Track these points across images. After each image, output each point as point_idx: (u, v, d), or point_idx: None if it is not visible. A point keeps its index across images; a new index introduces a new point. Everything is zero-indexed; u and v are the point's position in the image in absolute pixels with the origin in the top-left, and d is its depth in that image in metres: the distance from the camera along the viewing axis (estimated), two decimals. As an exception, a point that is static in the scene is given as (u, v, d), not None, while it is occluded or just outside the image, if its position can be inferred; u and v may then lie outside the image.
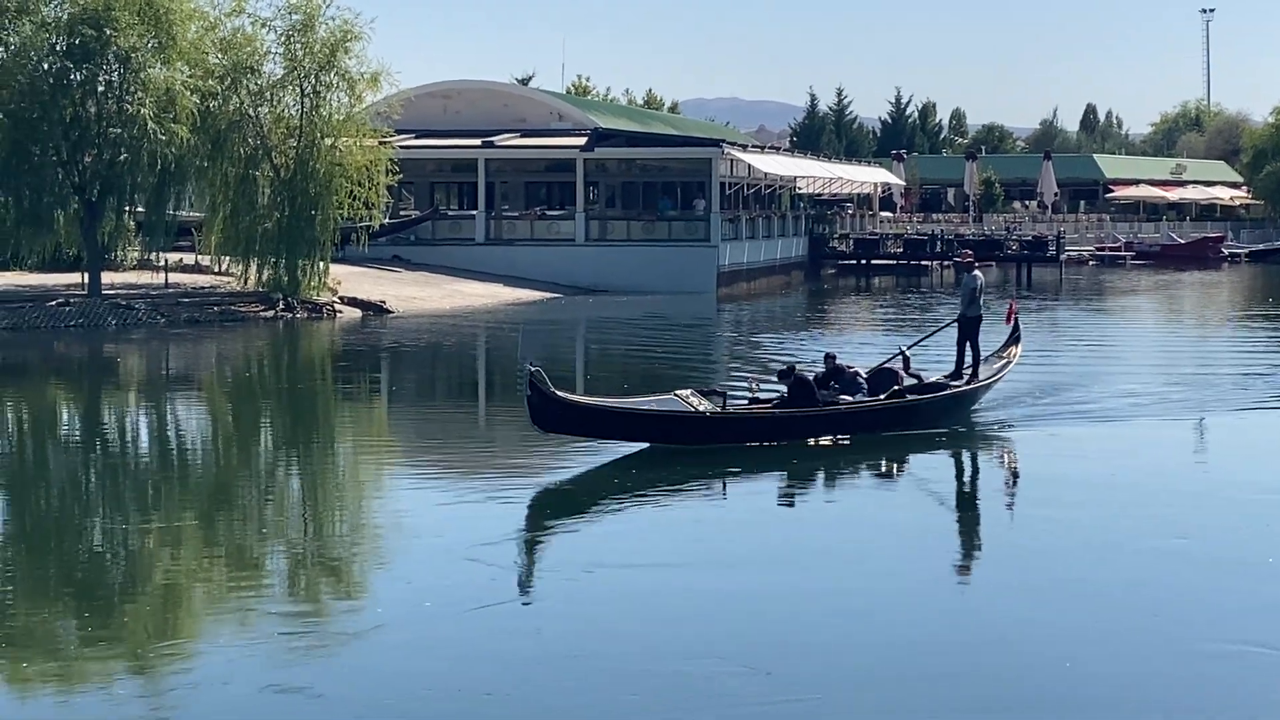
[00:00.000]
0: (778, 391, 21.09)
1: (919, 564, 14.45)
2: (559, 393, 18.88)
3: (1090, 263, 78.21)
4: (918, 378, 22.12)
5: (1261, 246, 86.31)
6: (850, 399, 20.90)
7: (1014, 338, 24.76)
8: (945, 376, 22.93)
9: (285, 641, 12.08)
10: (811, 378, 21.06)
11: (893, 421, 20.93)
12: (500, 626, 12.36)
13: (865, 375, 21.57)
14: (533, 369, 18.48)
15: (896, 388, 21.20)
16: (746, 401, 20.91)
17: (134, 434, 24.23)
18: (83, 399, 28.00)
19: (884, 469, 19.51)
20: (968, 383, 22.79)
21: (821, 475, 19.13)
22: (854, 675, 11.20)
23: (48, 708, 10.73)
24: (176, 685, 11.04)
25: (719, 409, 19.83)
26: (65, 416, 26.18)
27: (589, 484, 18.33)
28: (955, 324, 23.79)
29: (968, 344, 23.28)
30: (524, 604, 13.15)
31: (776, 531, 16.17)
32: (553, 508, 17.34)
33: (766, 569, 14.27)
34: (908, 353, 22.63)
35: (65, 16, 40.24)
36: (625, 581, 13.75)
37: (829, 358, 21.93)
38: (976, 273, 23.92)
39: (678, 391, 20.02)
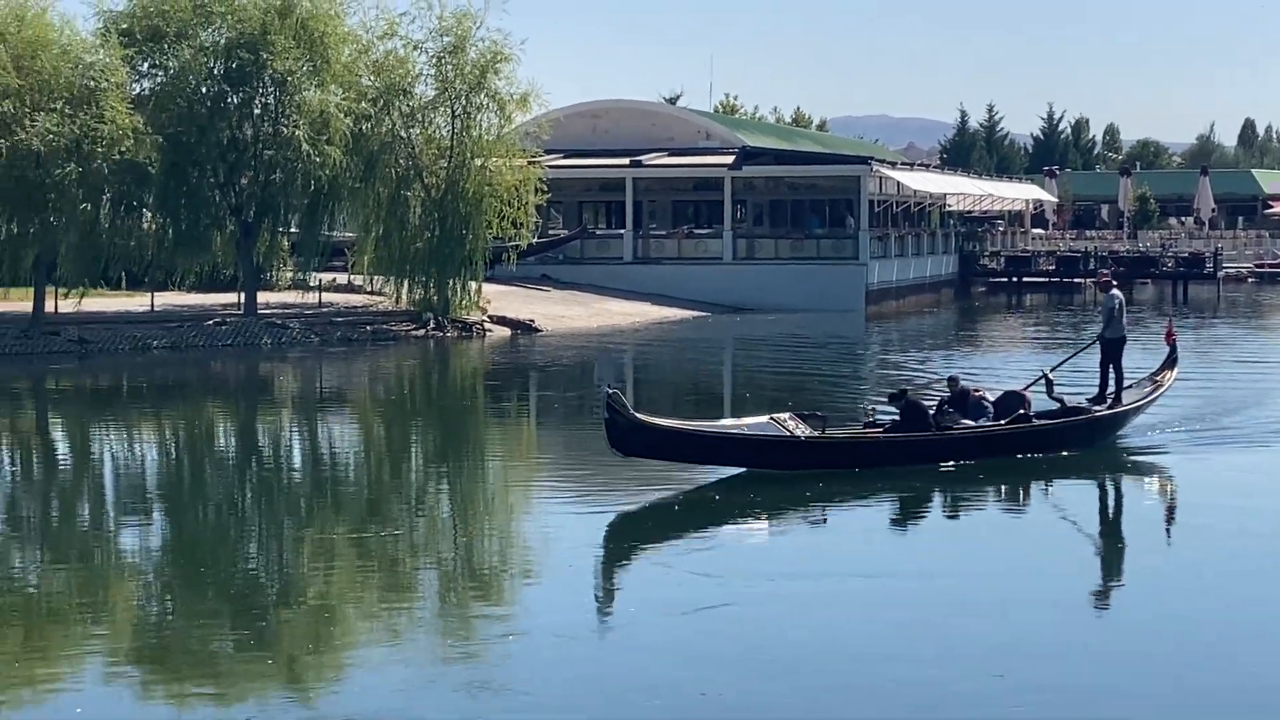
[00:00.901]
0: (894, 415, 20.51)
1: (1075, 583, 14.15)
2: (639, 415, 18.42)
3: (1249, 279, 76.31)
4: (1060, 401, 21.42)
5: None
6: (973, 424, 20.24)
7: (1170, 360, 23.77)
8: (1088, 400, 22.22)
9: (495, 645, 12.36)
10: (936, 402, 20.63)
11: (1014, 447, 20.23)
12: (714, 629, 12.56)
13: (992, 399, 20.87)
14: (610, 390, 18.07)
15: (1021, 412, 20.43)
16: (861, 425, 20.40)
17: (289, 451, 24.54)
18: (239, 417, 28.45)
19: (1007, 493, 19.08)
20: (1110, 407, 22.01)
21: (952, 498, 18.72)
22: (1081, 681, 11.16)
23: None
24: (386, 686, 11.20)
25: (818, 433, 19.25)
26: (222, 434, 26.61)
27: (764, 498, 18.13)
28: (1095, 345, 23.13)
29: (1110, 366, 22.53)
30: (730, 608, 13.22)
31: (932, 548, 15.93)
32: (714, 520, 17.34)
33: (948, 581, 14.30)
34: (1050, 375, 21.81)
35: (223, 41, 41.05)
36: (814, 590, 13.87)
37: (953, 381, 21.32)
38: (1115, 292, 23.16)
39: (774, 415, 19.38)
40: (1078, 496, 19.30)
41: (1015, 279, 68.65)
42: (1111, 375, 22.48)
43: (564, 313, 47.48)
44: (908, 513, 18.08)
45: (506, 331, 43.69)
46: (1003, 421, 20.29)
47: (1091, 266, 68.06)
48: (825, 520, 17.39)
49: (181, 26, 40.53)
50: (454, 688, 11.18)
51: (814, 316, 49.54)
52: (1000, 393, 21.36)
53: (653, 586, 14.22)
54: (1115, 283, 24.01)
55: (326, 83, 41.39)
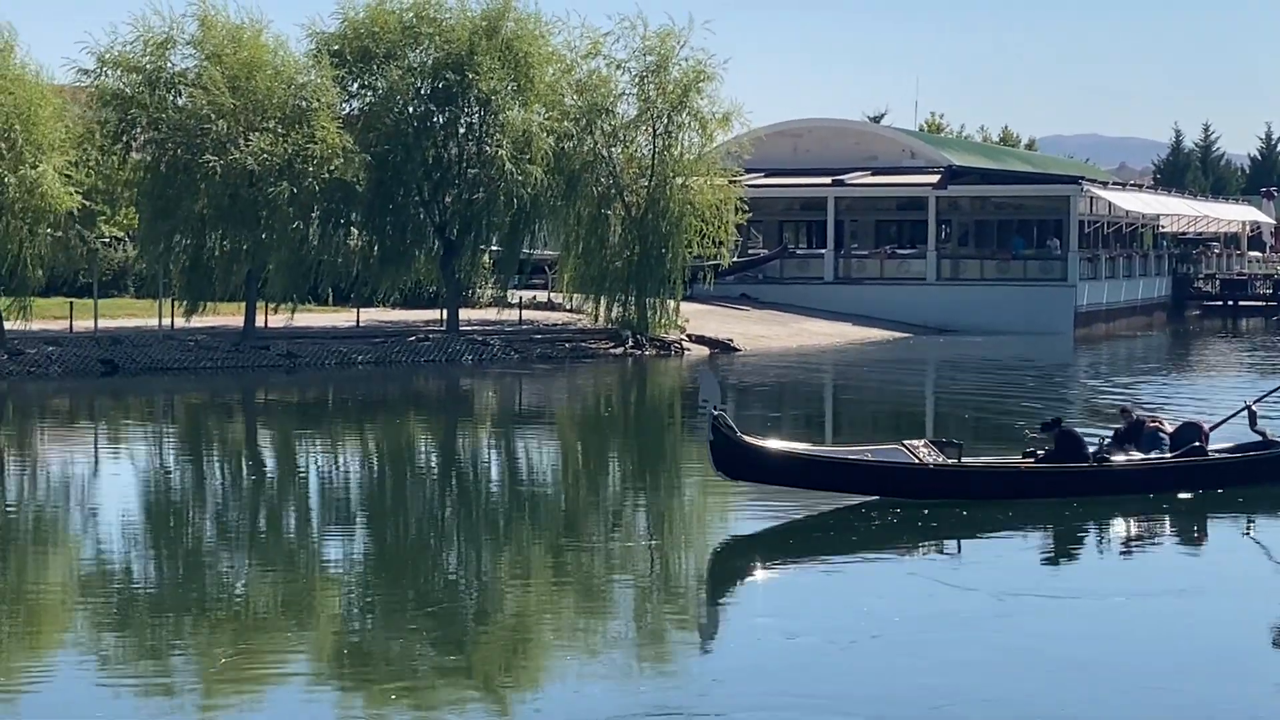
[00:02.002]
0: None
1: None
2: (748, 438, 17.92)
3: None
4: (1263, 434, 20.09)
5: None
6: (1141, 456, 19.17)
7: None
8: None
9: (789, 653, 12.48)
10: (1112, 433, 19.80)
11: (1183, 481, 19.06)
12: (992, 640, 12.83)
13: (1169, 431, 19.71)
14: (716, 411, 17.44)
15: (1197, 445, 19.23)
16: (1021, 454, 19.33)
17: (488, 466, 24.64)
18: (441, 432, 28.69)
19: (1173, 526, 18.25)
20: None
21: (1107, 530, 17.94)
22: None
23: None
24: (584, 699, 11.16)
25: (952, 461, 18.37)
26: (424, 448, 26.83)
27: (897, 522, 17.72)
28: None
29: None
30: (1001, 617, 13.56)
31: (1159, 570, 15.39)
32: (898, 536, 16.92)
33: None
34: (1255, 407, 20.42)
35: (430, 61, 41.62)
36: (1062, 607, 14.03)
37: (1125, 412, 20.48)
38: None
39: (907, 441, 18.68)
40: (1242, 530, 18.37)
41: (1231, 303, 66.62)
42: None
43: (763, 332, 47.17)
44: (1068, 542, 17.49)
45: (705, 350, 43.51)
46: (1168, 455, 19.22)
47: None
48: (1036, 545, 16.93)
49: (390, 47, 41.21)
50: (662, 699, 11.11)
51: (1020, 339, 48.54)
52: (1180, 424, 20.27)
53: (897, 599, 14.23)
54: None
55: (530, 102, 41.71)
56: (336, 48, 41.30)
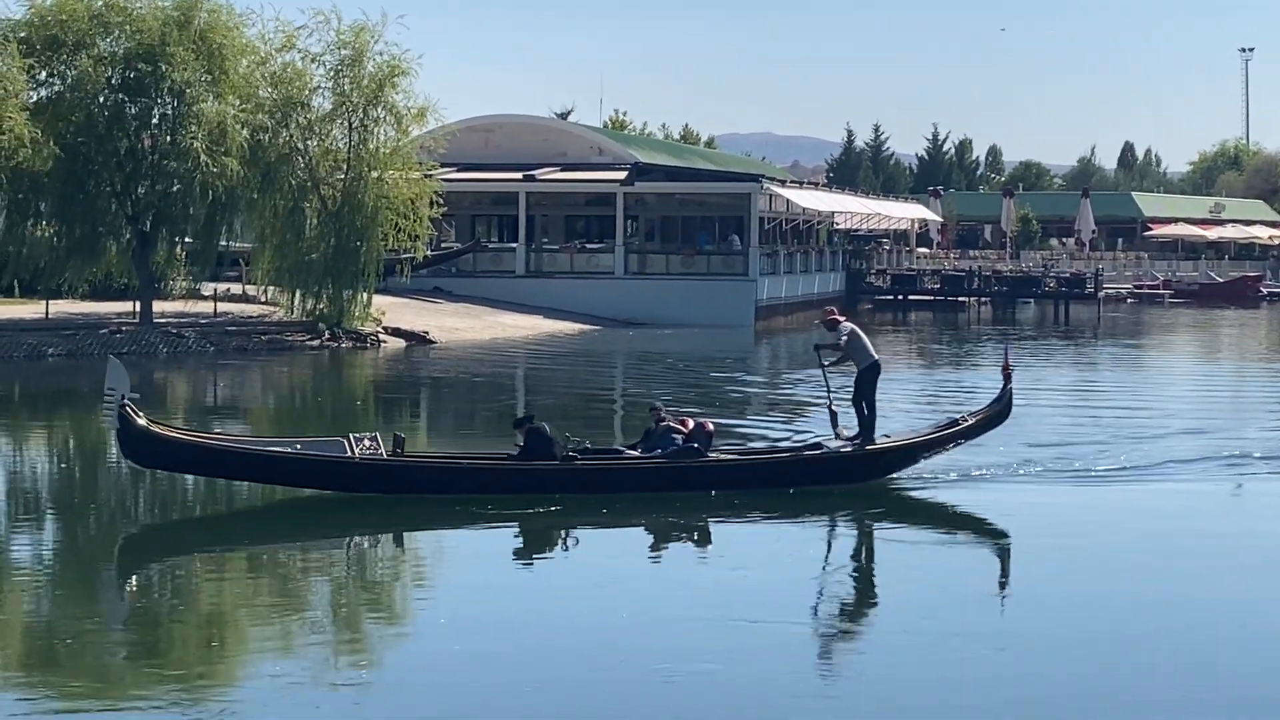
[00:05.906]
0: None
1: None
2: (154, 427, 17.87)
3: (1128, 300, 78.54)
4: (839, 437, 20.12)
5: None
6: (635, 456, 19.17)
7: (999, 398, 20.90)
8: (850, 437, 20.22)
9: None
10: (644, 433, 19.67)
11: (668, 483, 18.91)
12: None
13: (686, 430, 19.31)
14: (125, 400, 17.31)
15: (695, 446, 19.02)
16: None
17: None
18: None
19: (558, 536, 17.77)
20: (859, 445, 19.99)
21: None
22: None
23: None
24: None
25: (388, 455, 18.27)
26: (115, 442, 26.88)
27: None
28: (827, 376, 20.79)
29: (862, 401, 20.22)
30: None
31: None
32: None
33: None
34: (835, 409, 20.28)
35: (121, 51, 41.31)
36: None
37: (653, 410, 20.01)
38: (844, 324, 20.68)
39: (355, 434, 18.57)
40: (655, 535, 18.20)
41: (901, 297, 70.21)
42: (866, 409, 20.20)
43: (457, 325, 48.16)
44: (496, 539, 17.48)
45: (401, 343, 44.29)
46: (650, 452, 19.21)
47: (975, 285, 70.12)
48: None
49: (80, 36, 40.75)
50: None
51: (704, 331, 50.52)
52: (695, 424, 19.67)
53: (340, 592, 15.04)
54: (841, 317, 21.23)
55: (224, 94, 41.76)
56: (24, 35, 40.65)
